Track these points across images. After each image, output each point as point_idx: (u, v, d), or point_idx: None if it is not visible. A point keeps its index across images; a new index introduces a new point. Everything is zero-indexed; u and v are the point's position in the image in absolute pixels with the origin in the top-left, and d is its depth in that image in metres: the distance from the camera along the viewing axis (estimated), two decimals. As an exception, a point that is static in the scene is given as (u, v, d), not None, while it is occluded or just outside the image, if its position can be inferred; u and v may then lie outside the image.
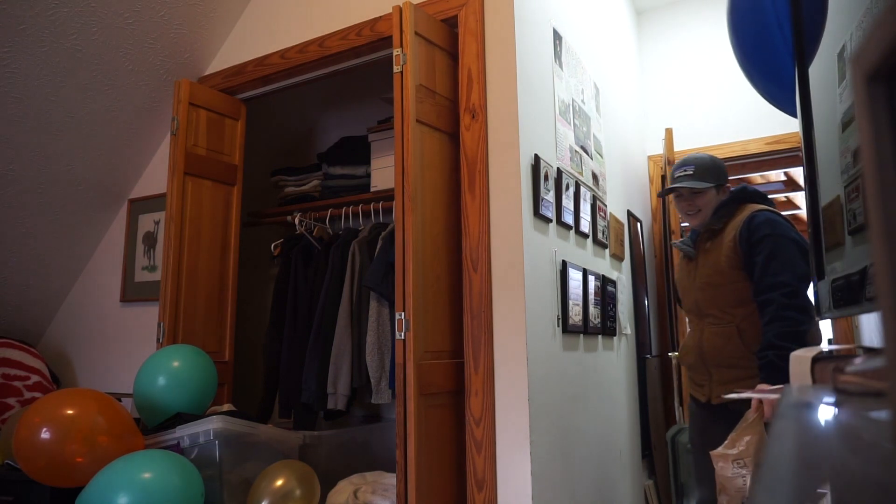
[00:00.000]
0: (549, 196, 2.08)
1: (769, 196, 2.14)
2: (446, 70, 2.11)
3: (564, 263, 2.15)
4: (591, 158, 2.58)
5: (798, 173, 5.53)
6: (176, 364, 2.08)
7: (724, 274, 2.00)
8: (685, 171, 2.14)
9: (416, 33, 1.99)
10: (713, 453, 1.66)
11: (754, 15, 1.62)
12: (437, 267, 1.97)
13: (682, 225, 3.32)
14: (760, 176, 5.98)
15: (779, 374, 1.68)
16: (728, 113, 3.46)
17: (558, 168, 2.17)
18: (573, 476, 2.09)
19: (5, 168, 2.58)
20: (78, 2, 2.31)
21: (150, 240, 2.94)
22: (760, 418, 1.56)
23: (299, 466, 1.95)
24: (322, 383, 2.50)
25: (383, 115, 2.87)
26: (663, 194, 2.34)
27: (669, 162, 3.12)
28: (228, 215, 2.74)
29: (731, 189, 2.17)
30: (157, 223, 2.92)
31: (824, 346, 1.29)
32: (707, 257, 2.08)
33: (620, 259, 2.94)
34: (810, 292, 1.68)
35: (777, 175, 5.95)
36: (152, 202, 2.95)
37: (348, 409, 2.57)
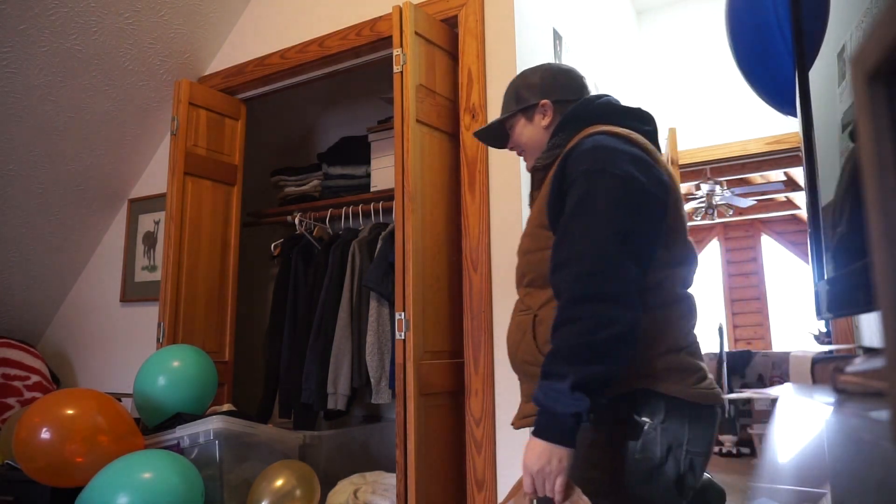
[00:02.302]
0: (549, 196, 2.08)
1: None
2: (446, 70, 2.11)
3: (564, 263, 2.15)
4: (591, 158, 2.57)
5: (798, 173, 5.53)
6: (176, 364, 2.08)
7: (531, 236, 1.29)
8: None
9: (416, 33, 1.99)
10: None
11: (753, 14, 1.62)
12: (437, 267, 1.97)
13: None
14: (760, 176, 5.98)
15: (552, 424, 1.00)
16: (728, 113, 3.45)
17: (558, 168, 2.17)
18: (573, 476, 2.08)
19: (5, 168, 2.58)
20: (78, 2, 2.31)
21: (150, 240, 2.94)
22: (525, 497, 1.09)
23: (299, 466, 1.95)
24: (322, 383, 2.50)
25: (383, 115, 2.87)
26: (493, 141, 1.50)
27: (673, 161, 3.12)
28: (228, 215, 2.74)
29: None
30: (157, 223, 2.92)
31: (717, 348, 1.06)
32: (530, 212, 1.34)
33: (620, 259, 2.93)
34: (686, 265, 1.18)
35: (777, 175, 5.95)
36: (152, 202, 2.95)
37: (348, 409, 2.57)
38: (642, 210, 1.08)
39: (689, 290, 1.20)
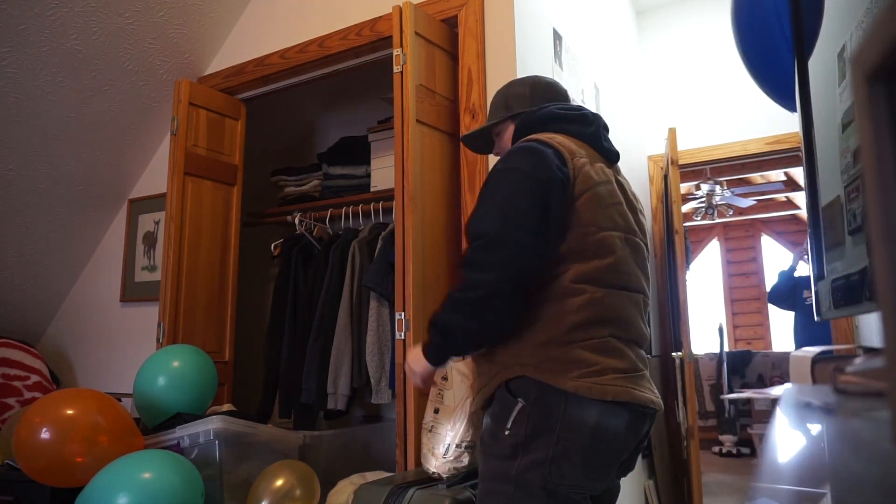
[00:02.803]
0: (549, 196, 2.08)
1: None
2: (446, 70, 2.11)
3: (564, 263, 2.15)
4: (591, 158, 2.57)
5: (798, 173, 5.53)
6: (176, 364, 2.08)
7: None
8: None
9: (416, 33, 1.99)
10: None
11: (755, 13, 1.62)
12: (437, 267, 1.97)
13: (685, 224, 3.31)
14: (760, 176, 5.98)
15: (439, 347, 1.26)
16: (728, 113, 3.45)
17: (558, 168, 2.17)
18: (573, 476, 2.08)
19: (5, 169, 2.58)
20: (78, 2, 2.31)
21: (150, 240, 2.94)
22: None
23: (299, 466, 1.95)
24: (322, 383, 2.50)
25: (383, 115, 2.87)
26: (478, 147, 1.63)
27: (673, 161, 3.11)
28: (228, 215, 2.74)
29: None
30: (157, 223, 2.92)
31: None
32: None
33: (620, 259, 2.93)
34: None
35: (777, 175, 5.95)
36: (152, 202, 2.95)
37: (348, 409, 2.57)
38: (547, 202, 1.19)
39: (600, 287, 1.21)
